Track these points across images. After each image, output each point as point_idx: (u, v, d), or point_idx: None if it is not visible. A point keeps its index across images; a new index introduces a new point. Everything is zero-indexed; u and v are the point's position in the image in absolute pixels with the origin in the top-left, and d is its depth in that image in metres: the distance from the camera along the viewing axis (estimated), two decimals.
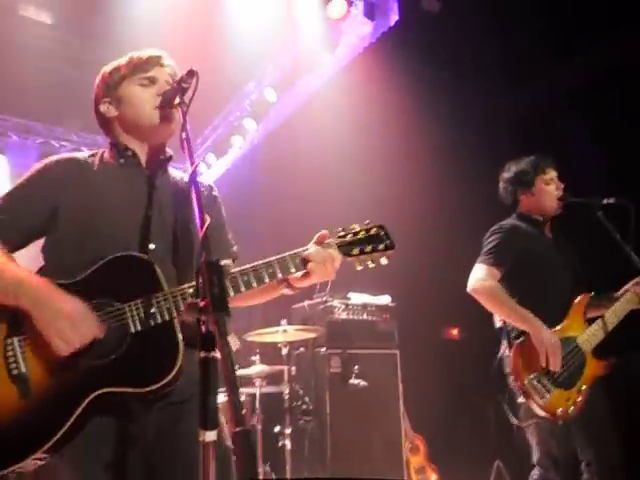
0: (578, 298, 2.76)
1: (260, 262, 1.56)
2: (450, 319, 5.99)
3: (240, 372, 4.06)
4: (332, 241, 1.64)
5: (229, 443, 2.59)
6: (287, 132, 5.72)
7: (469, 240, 3.16)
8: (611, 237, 2.79)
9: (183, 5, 4.70)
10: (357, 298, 4.70)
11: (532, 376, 2.51)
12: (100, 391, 1.36)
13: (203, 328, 1.11)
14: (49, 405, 1.36)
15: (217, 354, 1.11)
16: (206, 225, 1.23)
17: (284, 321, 4.12)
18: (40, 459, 1.37)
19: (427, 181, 5.17)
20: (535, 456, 2.67)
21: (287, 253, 1.60)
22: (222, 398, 2.52)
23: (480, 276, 2.72)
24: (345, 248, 1.64)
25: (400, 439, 4.40)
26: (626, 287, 2.82)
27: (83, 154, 1.70)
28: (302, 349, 4.59)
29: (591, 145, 4.60)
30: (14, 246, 1.53)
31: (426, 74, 5.04)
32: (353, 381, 4.31)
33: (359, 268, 1.66)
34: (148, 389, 1.37)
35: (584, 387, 2.57)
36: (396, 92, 4.91)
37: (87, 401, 1.36)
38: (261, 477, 4.05)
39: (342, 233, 1.67)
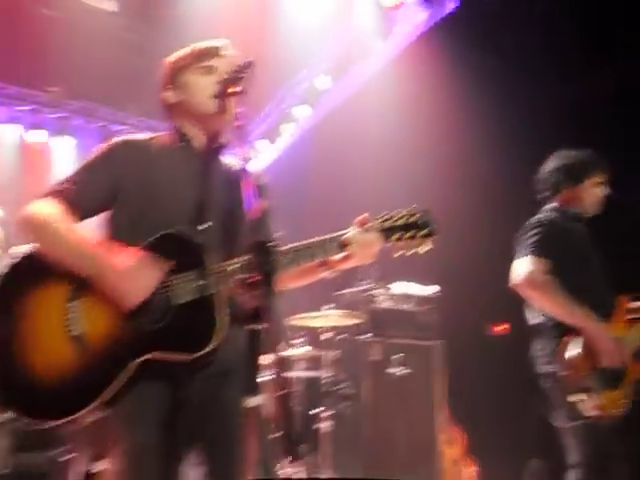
0: (620, 298, 2.68)
1: (301, 243, 1.61)
2: (498, 314, 5.88)
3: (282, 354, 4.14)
4: (373, 225, 1.66)
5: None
6: (339, 119, 5.74)
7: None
8: None
9: None
10: (400, 287, 4.70)
11: (587, 374, 2.45)
12: (148, 355, 1.48)
13: (251, 303, 1.20)
14: (101, 365, 1.48)
15: (264, 327, 1.20)
16: (260, 208, 1.34)
17: (328, 306, 4.17)
18: (94, 413, 1.51)
19: (475, 171, 5.08)
20: (575, 457, 2.58)
21: (327, 236, 1.63)
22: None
23: (528, 269, 2.62)
24: (385, 233, 1.65)
25: (436, 430, 4.40)
26: None
27: (145, 136, 1.80)
28: (344, 335, 4.64)
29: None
30: (80, 217, 1.64)
31: (476, 63, 4.93)
32: (392, 369, 4.34)
33: (398, 254, 1.67)
34: (194, 356, 1.46)
35: (629, 389, 2.52)
36: (446, 80, 4.84)
37: (136, 363, 1.47)
38: (298, 454, 4.14)
39: (384, 217, 1.68)
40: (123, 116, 6.41)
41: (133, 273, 1.49)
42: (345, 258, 1.66)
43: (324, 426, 4.07)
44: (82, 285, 1.52)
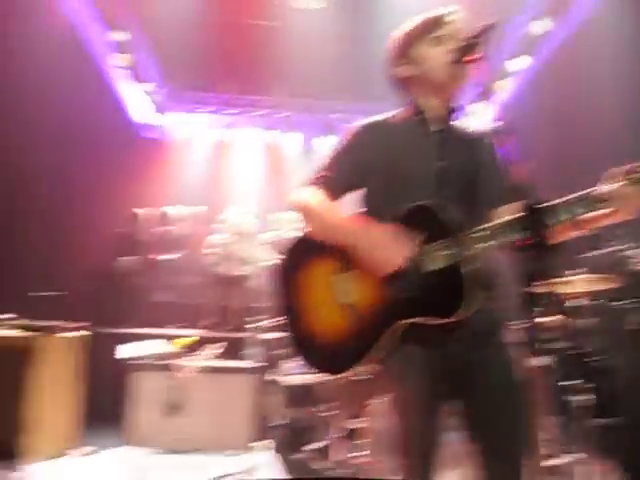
0: None
1: (557, 201, 1.55)
2: None
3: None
4: (628, 177, 1.53)
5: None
6: (561, 62, 5.22)
7: None
8: None
9: None
10: None
11: None
12: (410, 319, 1.61)
13: (525, 266, 1.27)
14: (368, 327, 1.67)
15: (537, 289, 1.27)
16: (522, 168, 1.36)
17: (574, 271, 3.86)
18: (365, 370, 1.72)
19: None
20: None
21: (584, 191, 1.55)
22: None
23: None
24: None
25: None
26: None
27: (382, 116, 1.88)
28: (597, 301, 4.26)
29: None
30: (334, 198, 1.85)
31: None
32: None
33: None
34: (450, 319, 1.56)
35: None
36: None
37: (399, 325, 1.62)
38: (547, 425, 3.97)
39: (634, 170, 1.54)
40: (341, 105, 6.74)
41: (388, 244, 1.63)
42: (602, 215, 1.57)
43: (576, 399, 3.81)
44: (346, 259, 1.71)
